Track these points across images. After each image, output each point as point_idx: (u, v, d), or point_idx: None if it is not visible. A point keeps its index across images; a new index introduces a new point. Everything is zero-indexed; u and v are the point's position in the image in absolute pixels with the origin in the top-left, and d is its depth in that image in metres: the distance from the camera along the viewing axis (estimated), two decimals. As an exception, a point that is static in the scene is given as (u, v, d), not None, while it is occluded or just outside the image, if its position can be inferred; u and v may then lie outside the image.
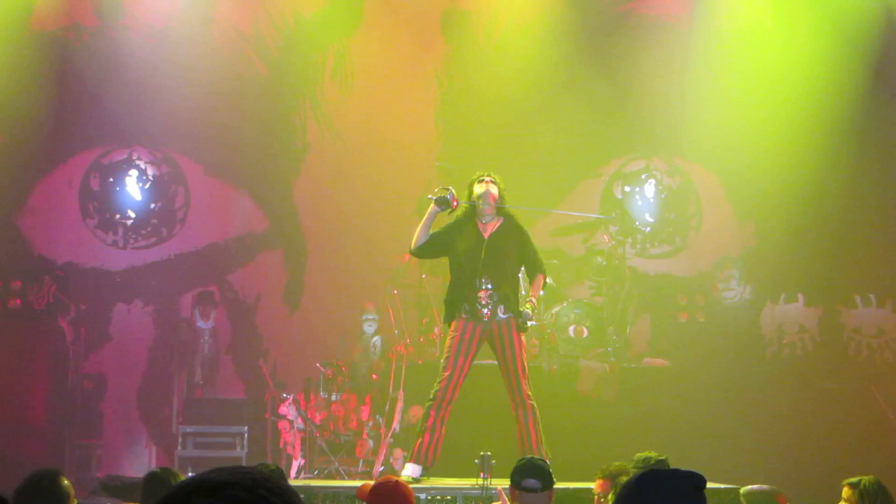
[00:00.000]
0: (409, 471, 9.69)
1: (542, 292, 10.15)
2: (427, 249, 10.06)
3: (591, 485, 9.09)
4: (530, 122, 16.50)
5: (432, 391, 9.73)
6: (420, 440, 9.74)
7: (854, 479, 7.26)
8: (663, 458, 7.45)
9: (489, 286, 9.67)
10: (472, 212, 9.86)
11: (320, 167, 16.95)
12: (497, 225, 9.86)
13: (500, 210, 9.87)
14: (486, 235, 9.78)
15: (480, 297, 9.67)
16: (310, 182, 16.94)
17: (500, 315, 9.69)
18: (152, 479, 6.77)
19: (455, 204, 9.77)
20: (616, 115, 16.29)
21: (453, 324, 9.79)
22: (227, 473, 2.05)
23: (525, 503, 6.61)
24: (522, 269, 10.19)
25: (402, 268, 15.17)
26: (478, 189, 9.84)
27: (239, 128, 16.67)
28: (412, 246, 10.06)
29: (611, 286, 14.55)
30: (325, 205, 16.78)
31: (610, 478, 7.67)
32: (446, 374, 9.66)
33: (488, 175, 9.91)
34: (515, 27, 16.67)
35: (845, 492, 7.28)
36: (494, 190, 9.83)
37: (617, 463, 8.02)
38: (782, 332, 15.98)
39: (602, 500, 7.79)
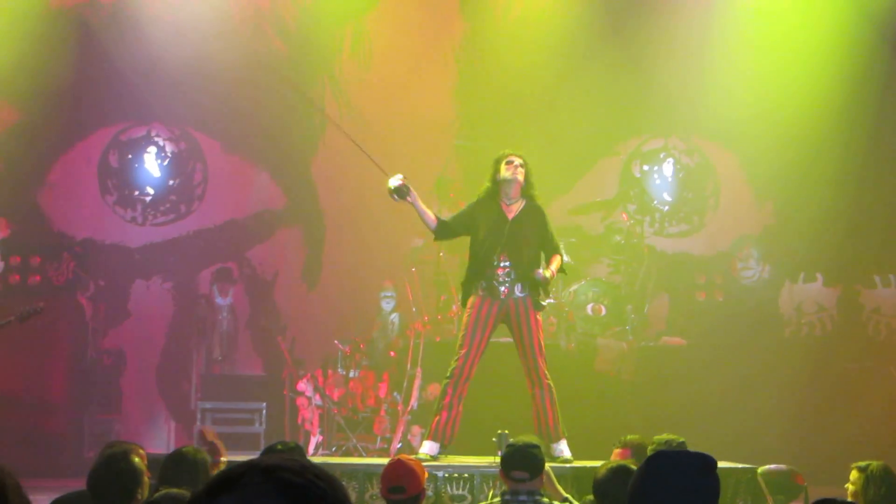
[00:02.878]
0: (427, 448, 9.71)
1: (557, 272, 10.03)
2: (448, 231, 10.05)
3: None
4: (548, 101, 16.45)
5: (449, 368, 9.74)
6: (437, 418, 9.76)
7: (863, 463, 7.25)
8: (682, 440, 7.44)
9: (507, 264, 9.66)
10: (496, 192, 9.84)
11: (338, 144, 16.90)
12: (521, 207, 9.83)
13: (525, 192, 9.85)
14: (509, 217, 9.76)
15: (498, 275, 9.66)
16: (328, 159, 16.92)
17: (518, 293, 9.68)
18: (178, 453, 6.85)
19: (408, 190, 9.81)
20: (635, 94, 16.23)
21: (470, 300, 9.79)
22: (278, 458, 2.13)
23: (517, 490, 6.65)
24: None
25: (420, 245, 15.17)
26: (506, 173, 9.79)
27: (257, 104, 16.66)
28: (433, 234, 10.11)
29: (629, 265, 14.54)
30: (343, 182, 16.76)
31: (629, 447, 7.69)
32: (463, 351, 9.67)
33: (516, 156, 9.84)
34: (533, 5, 16.63)
35: (853, 474, 7.27)
36: (521, 175, 9.79)
37: (633, 435, 8.04)
38: (801, 311, 15.97)
39: None
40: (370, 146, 16.64)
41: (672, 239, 16.75)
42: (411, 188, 9.86)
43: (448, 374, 9.74)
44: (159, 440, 15.91)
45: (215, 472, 6.65)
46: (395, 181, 9.85)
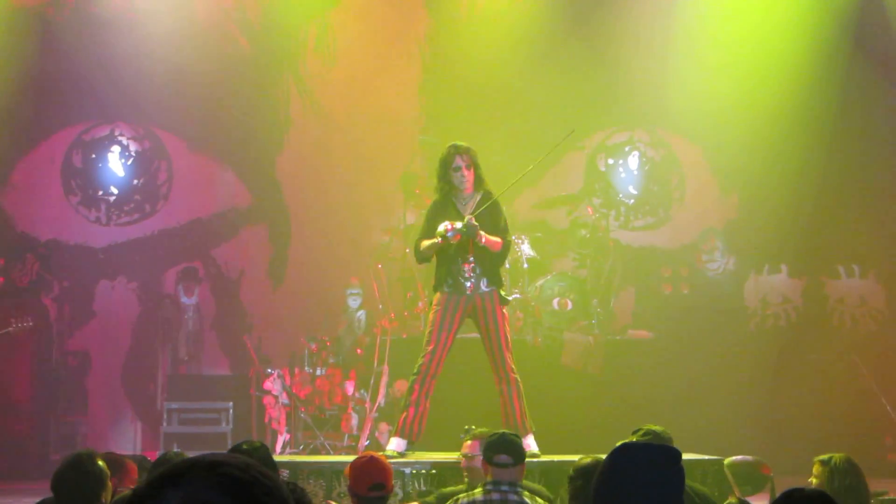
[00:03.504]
0: (394, 445, 9.70)
1: (493, 246, 9.79)
2: (427, 255, 10.00)
3: (575, 457, 9.13)
4: (513, 95, 16.47)
5: (416, 365, 9.73)
6: (405, 414, 9.75)
7: (825, 457, 7.26)
8: (659, 430, 7.42)
9: (471, 259, 9.65)
10: (450, 191, 9.82)
11: (303, 142, 16.91)
12: (476, 200, 9.82)
13: (477, 187, 9.83)
14: (465, 214, 9.75)
15: (464, 270, 9.65)
16: (293, 157, 16.91)
17: (483, 288, 9.67)
18: (164, 458, 6.83)
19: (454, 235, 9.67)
20: (599, 88, 16.25)
21: (436, 297, 9.79)
22: (223, 455, 2.13)
23: (497, 477, 6.67)
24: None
25: (386, 242, 15.18)
26: (455, 179, 9.74)
27: (222, 103, 16.62)
28: (416, 257, 10.04)
29: (595, 258, 14.57)
30: (308, 179, 16.75)
31: (479, 438, 7.79)
32: (430, 347, 9.65)
33: (461, 155, 9.77)
34: (497, 1, 16.63)
35: (816, 468, 7.28)
36: (469, 178, 9.75)
37: (482, 428, 8.15)
38: (766, 303, 16.05)
39: (469, 461, 7.94)
40: (335, 143, 16.76)
41: (637, 232, 16.79)
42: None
43: (415, 371, 9.73)
44: (125, 441, 15.85)
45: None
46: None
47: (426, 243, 9.75)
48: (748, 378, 14.37)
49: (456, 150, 9.76)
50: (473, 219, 9.49)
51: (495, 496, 6.66)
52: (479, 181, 9.81)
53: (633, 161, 17.09)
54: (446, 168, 9.77)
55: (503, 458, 6.70)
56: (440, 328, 9.65)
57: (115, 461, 7.01)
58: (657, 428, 7.38)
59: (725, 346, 14.71)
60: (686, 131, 16.71)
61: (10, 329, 10.46)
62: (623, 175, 17.07)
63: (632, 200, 16.97)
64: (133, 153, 16.93)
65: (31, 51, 16.15)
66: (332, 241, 16.41)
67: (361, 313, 14.82)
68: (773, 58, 15.78)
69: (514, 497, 6.67)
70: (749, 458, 8.26)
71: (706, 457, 9.66)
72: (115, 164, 16.90)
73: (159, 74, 16.17)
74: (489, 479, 6.75)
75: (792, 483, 8.28)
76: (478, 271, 9.68)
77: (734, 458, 8.23)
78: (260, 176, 16.98)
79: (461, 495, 6.92)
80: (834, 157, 15.84)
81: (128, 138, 16.92)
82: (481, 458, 7.00)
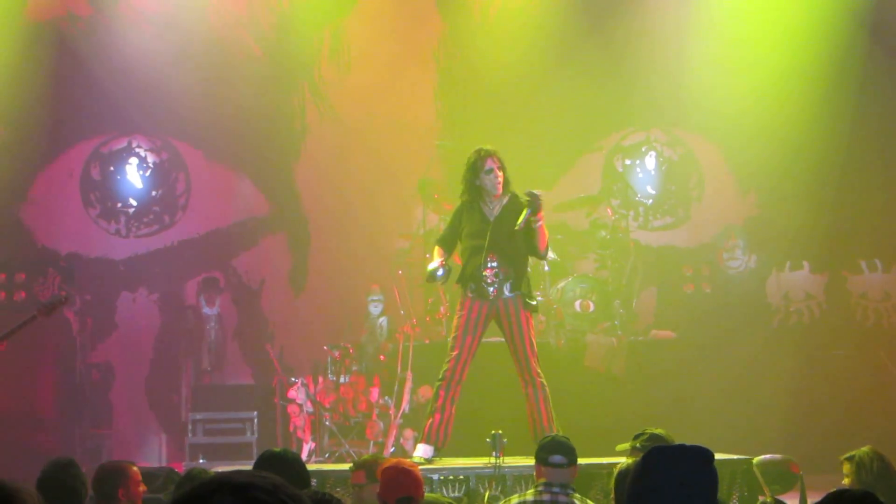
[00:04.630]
0: (421, 451, 9.68)
1: (542, 238, 9.81)
2: (447, 244, 10.06)
3: (602, 460, 9.11)
4: (529, 98, 16.44)
5: (441, 371, 9.72)
6: (430, 420, 9.73)
7: (850, 454, 7.25)
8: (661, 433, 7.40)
9: (494, 264, 9.64)
10: (477, 194, 9.81)
11: (320, 149, 16.91)
12: (503, 204, 9.80)
13: (506, 190, 9.82)
14: (491, 217, 9.74)
15: (486, 276, 9.63)
16: (310, 164, 16.91)
17: (507, 293, 9.66)
18: (189, 476, 6.83)
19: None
20: (615, 88, 16.22)
21: (460, 302, 9.78)
22: (249, 475, 2.10)
23: (550, 478, 6.69)
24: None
25: (406, 247, 15.18)
26: (487, 181, 9.73)
27: (238, 112, 16.62)
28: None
29: (615, 259, 14.53)
30: (326, 187, 16.75)
31: (364, 468, 7.33)
32: (454, 353, 9.64)
33: (492, 158, 9.78)
34: (511, 2, 16.62)
35: (845, 468, 7.28)
36: (500, 177, 9.74)
37: (367, 455, 7.98)
38: (789, 299, 15.99)
39: (359, 492, 7.34)
40: (352, 149, 16.76)
41: (657, 232, 16.76)
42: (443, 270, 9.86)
43: (440, 377, 9.71)
44: (151, 453, 15.87)
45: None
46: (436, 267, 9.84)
47: (428, 269, 9.92)
48: (773, 375, 14.31)
49: (487, 153, 9.75)
50: (537, 191, 9.52)
51: (546, 497, 6.70)
52: (507, 184, 9.81)
53: (651, 161, 17.06)
54: (477, 171, 9.74)
55: (557, 458, 6.73)
56: (464, 333, 9.64)
57: (117, 469, 6.88)
58: (659, 431, 7.36)
59: (749, 344, 14.66)
60: (703, 129, 16.68)
61: (36, 312, 10.33)
62: (641, 175, 17.03)
63: (650, 200, 16.93)
64: (151, 164, 16.95)
65: (47, 65, 16.18)
66: (351, 248, 16.41)
67: (383, 319, 14.79)
68: (789, 54, 15.74)
69: (563, 499, 6.70)
70: (778, 456, 8.25)
71: (734, 456, 9.62)
72: (134, 175, 16.92)
73: (175, 85, 16.19)
74: (542, 480, 6.76)
75: (821, 481, 8.25)
76: (500, 276, 9.66)
77: (763, 456, 8.22)
78: (278, 184, 16.98)
79: (513, 497, 6.95)
80: (853, 151, 15.80)
81: (145, 150, 16.94)
82: (373, 488, 6.77)
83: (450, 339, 9.87)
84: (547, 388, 9.70)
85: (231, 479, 2.07)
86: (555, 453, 6.76)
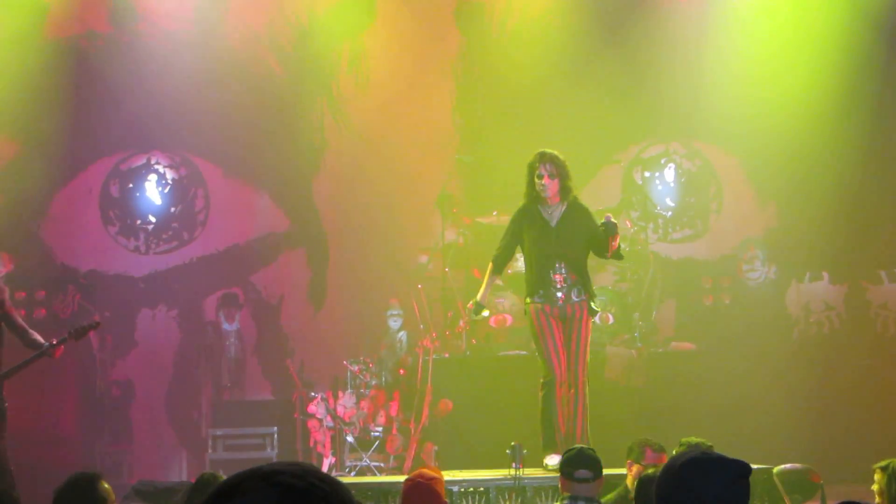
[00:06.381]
0: (554, 461, 9.45)
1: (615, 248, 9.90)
2: (505, 263, 10.24)
3: (622, 471, 9.08)
4: (548, 111, 16.41)
5: (542, 380, 9.73)
6: (546, 429, 9.70)
7: (883, 463, 7.23)
8: (709, 444, 7.41)
9: (563, 271, 9.69)
10: (535, 199, 9.82)
11: (339, 164, 16.93)
12: (562, 210, 9.82)
13: (564, 196, 9.82)
14: (553, 223, 9.76)
15: (556, 282, 9.69)
16: (329, 179, 16.93)
17: (574, 298, 9.72)
18: (201, 481, 6.82)
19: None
20: (633, 101, 16.20)
21: (529, 308, 9.83)
22: (279, 464, 2.14)
23: (576, 492, 6.68)
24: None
25: (425, 262, 15.18)
26: (537, 186, 9.77)
27: (257, 128, 16.67)
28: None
29: (635, 272, 14.52)
30: (345, 202, 16.77)
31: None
32: (548, 357, 9.64)
33: (544, 164, 9.79)
34: (529, 16, 16.62)
35: (876, 475, 7.25)
36: (552, 186, 9.75)
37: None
38: (809, 310, 15.94)
39: None
40: (371, 164, 16.78)
41: (676, 244, 16.73)
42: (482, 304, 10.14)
43: (542, 383, 9.71)
44: (172, 469, 15.88)
45: None
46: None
47: (478, 306, 10.11)
48: (794, 386, 14.25)
49: (540, 159, 9.80)
50: (611, 216, 9.66)
51: None
52: (565, 191, 9.82)
53: (670, 173, 17.03)
54: (531, 175, 9.80)
55: (583, 472, 6.72)
56: (550, 337, 9.66)
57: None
58: (701, 440, 7.36)
59: (770, 355, 14.61)
60: (721, 141, 16.66)
61: (67, 336, 10.37)
62: (660, 187, 17.02)
63: (669, 213, 16.91)
64: (170, 181, 17.00)
65: (66, 83, 16.26)
66: (371, 263, 16.41)
67: (403, 334, 14.79)
68: (807, 65, 15.71)
69: None
70: (798, 465, 8.23)
71: (754, 466, 9.56)
72: (153, 192, 16.97)
73: (193, 102, 16.25)
74: (567, 494, 6.75)
75: (842, 490, 8.21)
76: (569, 282, 9.70)
77: (783, 466, 8.20)
78: (297, 199, 17.01)
79: None
80: (871, 161, 15.75)
81: (164, 166, 16.99)
82: None
83: (535, 350, 9.97)
84: (587, 400, 9.71)
85: (260, 468, 2.12)
86: (580, 467, 6.75)
